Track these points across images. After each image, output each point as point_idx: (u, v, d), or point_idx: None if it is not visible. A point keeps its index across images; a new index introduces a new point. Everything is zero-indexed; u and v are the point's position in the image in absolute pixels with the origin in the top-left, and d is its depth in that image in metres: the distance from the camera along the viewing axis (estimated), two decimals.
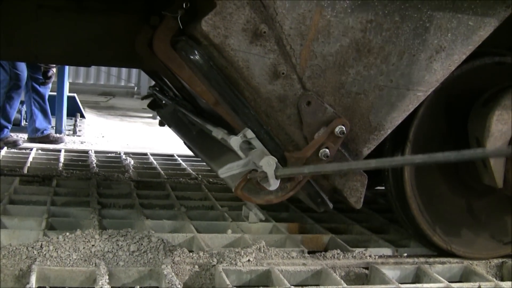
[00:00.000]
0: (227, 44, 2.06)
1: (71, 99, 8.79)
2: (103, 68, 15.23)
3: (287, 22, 2.08)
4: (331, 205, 2.47)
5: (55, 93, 7.73)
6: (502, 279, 2.90)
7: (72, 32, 3.36)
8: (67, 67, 8.09)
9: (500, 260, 2.98)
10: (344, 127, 2.24)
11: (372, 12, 2.18)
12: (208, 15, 2.01)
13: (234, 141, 2.21)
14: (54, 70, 6.86)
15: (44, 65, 6.52)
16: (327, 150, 2.24)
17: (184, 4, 2.37)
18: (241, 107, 2.21)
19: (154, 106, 4.75)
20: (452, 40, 2.32)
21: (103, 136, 7.96)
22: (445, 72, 2.37)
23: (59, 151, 5.46)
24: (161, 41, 2.55)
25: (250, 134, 2.22)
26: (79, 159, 5.12)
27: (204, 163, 5.29)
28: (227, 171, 2.21)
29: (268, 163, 2.20)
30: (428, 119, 2.77)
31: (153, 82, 4.92)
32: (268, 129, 2.25)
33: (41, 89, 6.76)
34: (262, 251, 2.69)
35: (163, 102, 4.35)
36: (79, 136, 7.75)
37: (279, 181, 2.25)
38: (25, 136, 6.86)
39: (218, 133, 2.47)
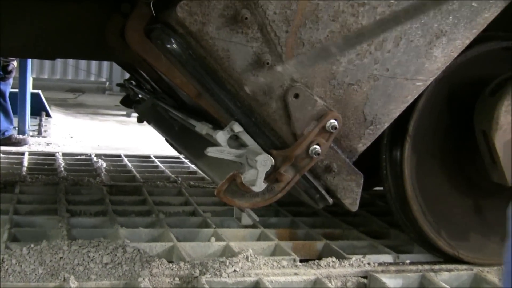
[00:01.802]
0: (205, 32, 2.06)
1: (35, 97, 8.76)
2: (71, 62, 15.22)
3: (270, 6, 2.09)
4: (330, 201, 2.45)
5: (17, 90, 7.70)
6: None
7: (35, 21, 3.36)
8: (29, 61, 8.06)
9: None
10: (336, 122, 2.25)
11: None
12: (183, 0, 2.02)
13: (220, 136, 2.19)
14: (15, 63, 6.84)
15: (3, 59, 6.49)
16: (317, 147, 2.24)
17: None
18: (226, 97, 2.20)
19: (128, 102, 4.75)
20: (454, 24, 2.33)
21: (71, 137, 7.95)
22: (446, 59, 2.39)
23: (23, 154, 5.46)
24: (134, 30, 2.55)
25: (237, 127, 2.20)
26: (45, 163, 5.12)
27: (185, 164, 5.30)
28: (216, 152, 2.19)
29: (264, 162, 2.18)
30: (429, 111, 2.79)
31: (127, 76, 4.93)
32: (257, 121, 2.24)
33: (1, 85, 6.74)
34: (249, 260, 2.70)
35: (140, 96, 4.36)
36: (44, 137, 7.74)
37: (266, 183, 2.24)
38: None
39: (202, 128, 2.46)
